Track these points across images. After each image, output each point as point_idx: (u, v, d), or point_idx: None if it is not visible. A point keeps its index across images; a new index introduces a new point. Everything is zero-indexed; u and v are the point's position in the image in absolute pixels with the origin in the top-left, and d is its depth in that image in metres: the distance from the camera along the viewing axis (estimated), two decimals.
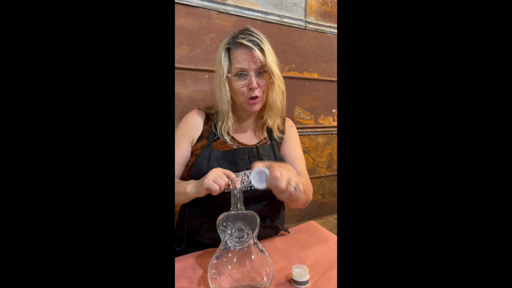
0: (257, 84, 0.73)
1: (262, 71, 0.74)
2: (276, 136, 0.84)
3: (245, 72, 0.73)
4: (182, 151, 0.78)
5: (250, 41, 0.72)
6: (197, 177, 0.69)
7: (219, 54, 0.76)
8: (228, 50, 0.75)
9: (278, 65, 0.76)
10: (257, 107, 0.77)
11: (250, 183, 0.74)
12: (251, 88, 0.73)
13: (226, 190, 0.70)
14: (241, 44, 0.72)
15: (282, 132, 0.86)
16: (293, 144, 0.87)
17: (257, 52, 0.71)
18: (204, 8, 1.08)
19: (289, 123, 0.90)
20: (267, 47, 0.73)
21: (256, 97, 0.74)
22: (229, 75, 0.74)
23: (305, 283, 0.57)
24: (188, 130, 0.80)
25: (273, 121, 0.81)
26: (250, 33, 0.74)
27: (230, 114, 0.78)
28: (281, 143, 0.86)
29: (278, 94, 0.77)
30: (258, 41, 0.72)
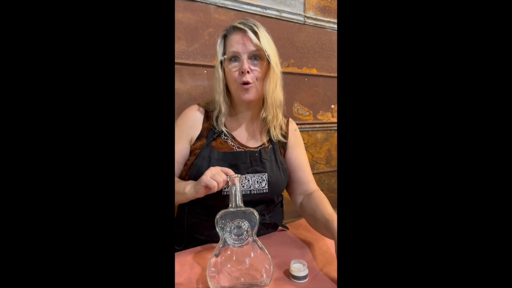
0: (250, 69, 0.70)
1: (257, 56, 0.71)
2: (278, 138, 0.80)
3: (238, 56, 0.71)
4: (180, 150, 0.75)
5: (244, 24, 0.71)
6: (197, 178, 0.67)
7: (217, 42, 0.75)
8: (224, 37, 0.74)
9: (276, 52, 0.73)
10: (251, 95, 0.72)
11: (249, 187, 0.74)
12: (242, 72, 0.70)
13: (224, 193, 0.70)
14: (235, 28, 0.72)
15: (285, 137, 0.83)
16: (299, 151, 0.84)
17: (250, 34, 0.69)
18: (202, 2, 1.07)
19: (292, 126, 0.86)
20: (262, 32, 0.71)
21: (248, 82, 0.71)
22: (223, 57, 0.73)
23: (303, 278, 0.58)
24: (187, 128, 0.77)
25: (271, 115, 0.76)
26: (247, 19, 0.74)
27: (222, 100, 0.75)
28: (284, 148, 0.83)
29: (272, 82, 0.72)
30: (252, 25, 0.71)
